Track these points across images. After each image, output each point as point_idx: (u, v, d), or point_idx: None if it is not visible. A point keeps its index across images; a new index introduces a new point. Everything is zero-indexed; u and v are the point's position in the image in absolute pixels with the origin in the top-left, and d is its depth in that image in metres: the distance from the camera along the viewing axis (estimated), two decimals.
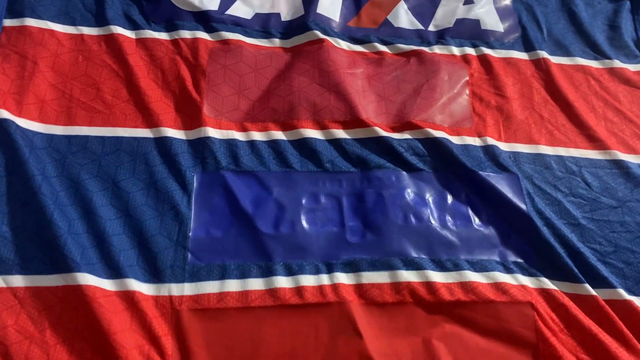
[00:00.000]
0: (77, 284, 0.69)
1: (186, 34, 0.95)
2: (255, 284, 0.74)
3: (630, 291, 0.79)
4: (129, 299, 0.70)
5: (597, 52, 1.03)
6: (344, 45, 0.98)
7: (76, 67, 0.89)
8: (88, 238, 0.74)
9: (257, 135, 0.87)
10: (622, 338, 0.74)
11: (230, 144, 0.86)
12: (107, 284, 0.71)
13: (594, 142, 0.92)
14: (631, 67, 1.02)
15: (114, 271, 0.72)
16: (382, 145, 0.87)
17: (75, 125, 0.84)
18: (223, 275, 0.75)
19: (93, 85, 0.87)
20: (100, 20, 0.94)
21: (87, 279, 0.70)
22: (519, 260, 0.80)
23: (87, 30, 0.93)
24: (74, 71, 0.88)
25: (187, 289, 0.73)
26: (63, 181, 0.78)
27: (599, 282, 0.78)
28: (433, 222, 0.82)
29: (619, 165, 0.90)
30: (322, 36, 0.96)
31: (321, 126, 0.88)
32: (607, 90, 0.99)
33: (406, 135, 0.88)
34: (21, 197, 0.75)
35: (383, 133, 0.87)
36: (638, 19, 1.09)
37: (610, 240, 0.83)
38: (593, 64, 1.02)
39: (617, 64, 1.02)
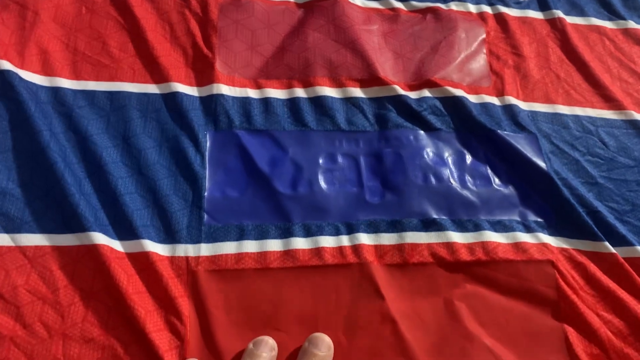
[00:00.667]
0: (92, 244, 0.67)
1: None
2: (274, 244, 0.72)
3: None
4: (144, 260, 0.68)
5: (612, 13, 1.02)
6: (358, 1, 0.95)
7: (80, 19, 0.84)
8: (99, 198, 0.71)
9: (272, 93, 0.84)
10: None
11: (244, 101, 0.83)
12: (121, 246, 0.69)
13: (610, 102, 0.92)
14: None
15: (128, 232, 0.69)
16: (400, 104, 0.85)
17: (81, 79, 0.79)
18: (241, 236, 0.72)
19: (98, 38, 0.83)
20: None
21: (102, 239, 0.67)
22: (539, 219, 0.79)
23: None
24: (77, 23, 0.83)
25: (203, 249, 0.71)
26: (70, 137, 0.75)
27: (618, 240, 0.78)
28: (453, 182, 0.80)
29: (635, 125, 0.90)
30: None
31: (338, 84, 0.85)
32: (622, 51, 0.98)
33: (424, 94, 0.86)
34: (28, 153, 0.71)
35: (401, 92, 0.85)
36: None
37: (627, 199, 0.84)
38: (607, 24, 1.01)
39: (632, 24, 1.01)
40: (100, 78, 0.80)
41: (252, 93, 0.83)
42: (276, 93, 0.84)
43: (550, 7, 1.00)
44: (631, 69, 0.96)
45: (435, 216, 0.77)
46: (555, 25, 0.98)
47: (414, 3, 0.97)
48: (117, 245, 0.68)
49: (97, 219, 0.69)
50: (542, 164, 0.82)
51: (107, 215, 0.70)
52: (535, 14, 1.00)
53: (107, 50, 0.82)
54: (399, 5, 0.96)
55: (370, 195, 0.78)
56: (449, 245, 0.75)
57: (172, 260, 0.69)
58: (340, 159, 0.80)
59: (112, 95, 0.79)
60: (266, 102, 0.83)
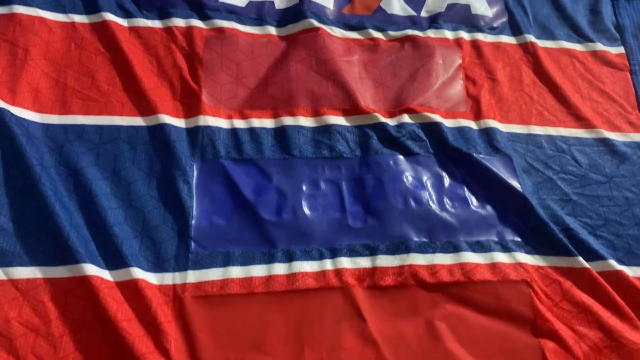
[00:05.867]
0: (84, 275, 0.69)
1: (180, 22, 0.94)
2: (259, 270, 0.75)
3: (621, 261, 0.83)
4: (133, 287, 0.70)
5: (580, 36, 1.07)
6: (339, 32, 0.99)
7: (69, 56, 0.87)
8: (90, 229, 0.74)
9: (257, 123, 0.87)
10: (615, 306, 0.78)
11: (230, 131, 0.86)
12: (110, 276, 0.71)
13: (581, 121, 0.96)
14: (612, 50, 1.06)
15: (117, 261, 0.72)
16: (380, 131, 0.88)
17: (71, 114, 0.82)
18: (227, 263, 0.75)
19: (87, 73, 0.86)
20: (91, 7, 0.92)
21: (92, 270, 0.70)
22: (517, 238, 0.83)
23: (78, 18, 0.91)
24: (67, 59, 0.87)
25: (190, 276, 0.73)
26: (61, 171, 0.77)
27: (591, 255, 0.82)
28: (432, 205, 0.84)
29: (605, 143, 0.94)
30: (317, 24, 0.96)
31: (320, 113, 0.89)
32: (591, 72, 1.02)
33: (404, 120, 0.90)
34: (20, 188, 0.74)
35: (381, 119, 0.89)
36: (617, 4, 1.12)
37: (600, 214, 0.87)
38: (577, 47, 1.05)
39: (600, 47, 1.06)
40: (90, 112, 0.83)
41: (238, 123, 0.87)
42: (261, 123, 0.87)
43: (522, 32, 1.04)
44: (600, 89, 1.00)
45: (415, 239, 0.80)
46: (528, 49, 1.02)
47: (392, 33, 1.01)
48: (106, 275, 0.71)
49: (88, 250, 0.72)
50: (517, 185, 0.86)
51: (97, 246, 0.73)
52: (508, 39, 1.04)
53: (96, 85, 0.85)
54: (378, 35, 1.00)
55: (353, 220, 0.81)
56: (430, 267, 0.78)
57: (160, 288, 0.72)
58: (323, 185, 0.83)
59: (101, 129, 0.82)
60: (252, 131, 0.86)
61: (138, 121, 0.84)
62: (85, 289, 0.69)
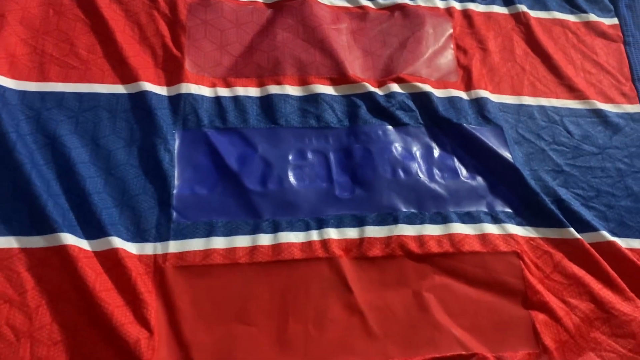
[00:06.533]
0: (61, 245, 0.67)
1: None
2: (243, 240, 0.73)
3: (613, 233, 0.81)
4: (113, 257, 0.68)
5: (573, 6, 1.05)
6: (327, 0, 0.96)
7: (47, 22, 0.84)
8: (67, 198, 0.71)
9: (242, 91, 0.85)
10: (607, 278, 0.76)
11: (213, 100, 0.83)
12: (89, 245, 0.69)
13: (574, 92, 0.94)
14: (606, 21, 1.04)
15: (96, 230, 0.70)
16: (369, 101, 0.86)
17: (49, 81, 0.79)
18: (209, 233, 0.73)
19: (66, 40, 0.83)
20: None
21: (70, 240, 0.67)
22: (507, 209, 0.81)
23: None
24: (45, 26, 0.83)
25: (171, 246, 0.71)
26: (38, 139, 0.75)
27: (583, 226, 0.80)
28: (421, 175, 0.82)
29: (598, 114, 0.93)
30: None
31: (307, 82, 0.86)
32: (584, 43, 1.01)
33: (393, 89, 0.87)
34: None
35: (370, 88, 0.86)
36: None
37: (592, 185, 0.86)
38: (570, 17, 1.04)
39: (593, 17, 1.04)
40: (69, 79, 0.80)
41: (222, 91, 0.84)
42: (246, 91, 0.85)
43: (514, 2, 1.02)
44: (593, 60, 0.98)
45: (404, 209, 0.78)
46: (520, 20, 1.00)
47: (381, 1, 0.98)
48: (84, 244, 0.69)
49: (65, 219, 0.69)
50: (507, 155, 0.84)
51: (75, 216, 0.70)
52: (500, 9, 1.02)
53: (75, 51, 0.82)
54: (367, 3, 0.97)
55: (340, 191, 0.79)
56: (418, 238, 0.76)
57: (141, 258, 0.70)
58: (310, 155, 0.81)
59: (81, 96, 0.79)
60: (236, 100, 0.84)
61: (118, 89, 0.81)
62: (63, 258, 0.67)
